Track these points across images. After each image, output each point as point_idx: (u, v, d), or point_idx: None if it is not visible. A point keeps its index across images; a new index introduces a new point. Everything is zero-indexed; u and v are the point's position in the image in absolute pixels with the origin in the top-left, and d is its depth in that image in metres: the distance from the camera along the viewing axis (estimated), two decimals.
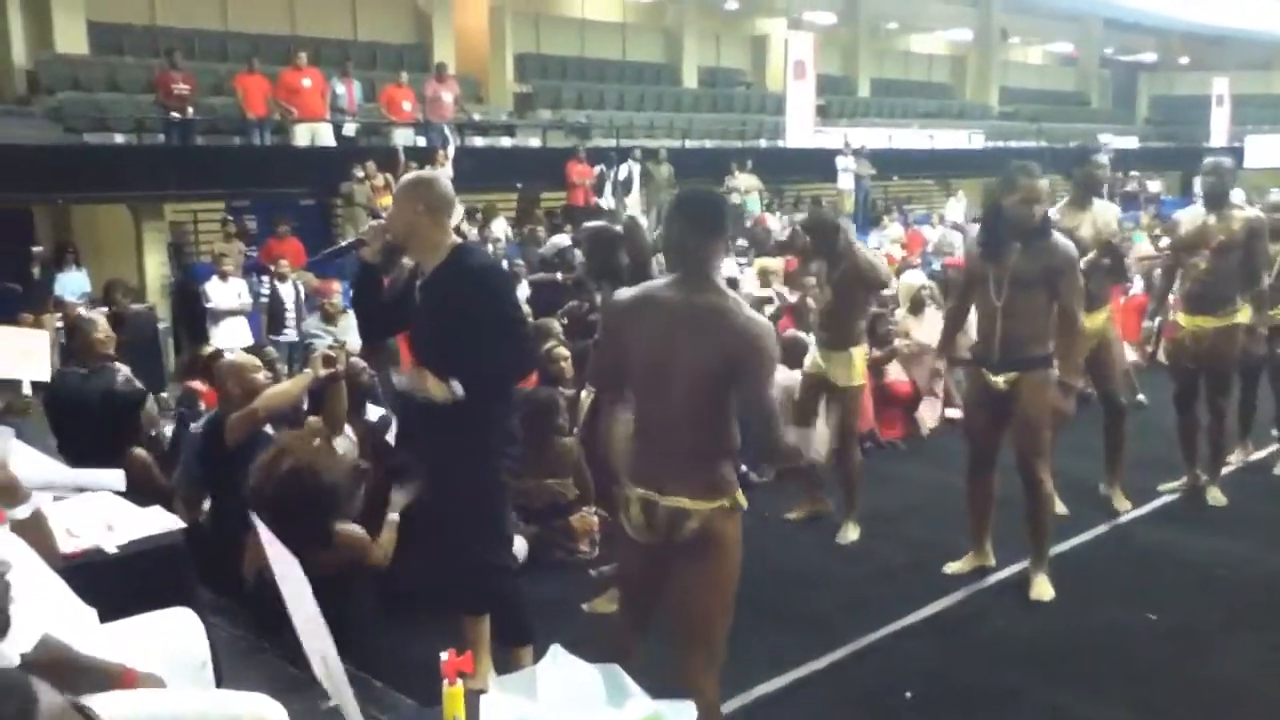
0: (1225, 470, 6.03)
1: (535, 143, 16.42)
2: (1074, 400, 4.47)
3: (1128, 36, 32.03)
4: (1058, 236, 4.43)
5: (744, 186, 16.38)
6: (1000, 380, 4.47)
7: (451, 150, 13.18)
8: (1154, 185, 22.91)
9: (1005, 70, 30.04)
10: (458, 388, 3.26)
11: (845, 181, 17.59)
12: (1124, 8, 25.77)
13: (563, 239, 9.00)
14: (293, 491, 3.67)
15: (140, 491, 3.91)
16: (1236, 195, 6.21)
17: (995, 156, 22.32)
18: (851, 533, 5.39)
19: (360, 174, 11.99)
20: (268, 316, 9.45)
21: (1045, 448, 4.53)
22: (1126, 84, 35.12)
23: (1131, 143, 26.56)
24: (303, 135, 12.96)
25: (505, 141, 16.12)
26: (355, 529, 4.00)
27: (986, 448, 4.70)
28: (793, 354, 6.98)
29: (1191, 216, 5.65)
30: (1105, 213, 5.51)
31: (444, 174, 12.83)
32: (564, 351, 6.01)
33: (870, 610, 4.45)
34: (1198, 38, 30.87)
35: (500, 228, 13.21)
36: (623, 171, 14.77)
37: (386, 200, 12.23)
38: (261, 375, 4.48)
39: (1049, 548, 4.69)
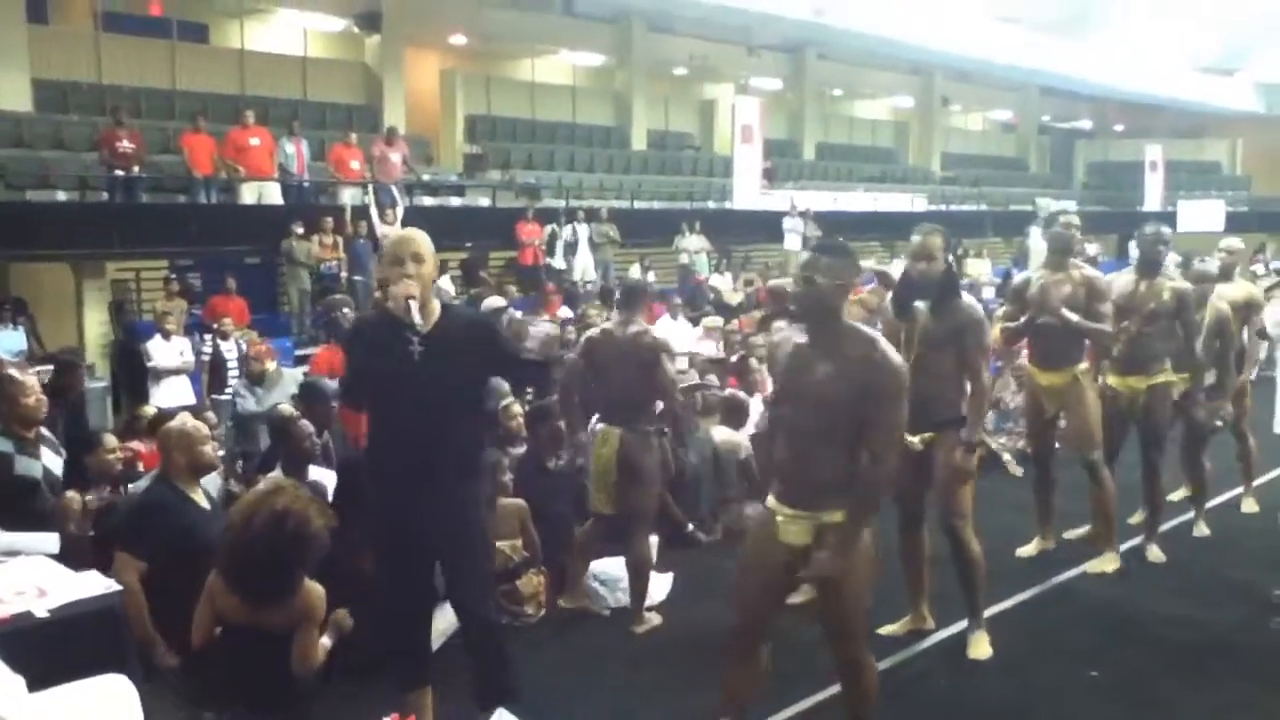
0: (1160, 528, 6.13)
1: (485, 202, 16.50)
2: (975, 458, 4.50)
3: (1064, 104, 33.03)
4: (967, 297, 4.55)
5: (693, 247, 16.57)
6: (916, 440, 4.51)
7: (401, 210, 13.21)
8: (1092, 248, 23.47)
9: (947, 136, 30.78)
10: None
11: (792, 243, 17.83)
12: (1060, 77, 26.53)
13: (497, 300, 9.00)
14: (278, 531, 3.59)
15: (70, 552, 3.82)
16: (1171, 259, 6.42)
17: (938, 219, 22.81)
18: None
19: (300, 230, 11.96)
20: (209, 375, 9.33)
21: (965, 506, 4.55)
22: (1064, 150, 36.15)
23: (1069, 206, 27.23)
24: (249, 193, 12.92)
25: (455, 201, 16.17)
26: (317, 587, 3.92)
27: (913, 507, 4.75)
28: (735, 414, 7.05)
29: (1123, 281, 5.80)
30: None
31: (392, 232, 12.88)
32: (518, 409, 6.05)
33: (816, 669, 4.44)
34: (1131, 106, 31.88)
35: (446, 285, 13.20)
36: (568, 232, 14.90)
37: (334, 257, 12.23)
38: (210, 447, 4.35)
39: (983, 606, 4.71)
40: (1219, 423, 6.53)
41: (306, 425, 5.24)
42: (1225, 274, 6.76)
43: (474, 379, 3.54)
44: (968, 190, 27.35)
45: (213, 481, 4.79)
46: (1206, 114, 32.15)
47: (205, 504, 4.29)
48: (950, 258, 4.58)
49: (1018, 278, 6.18)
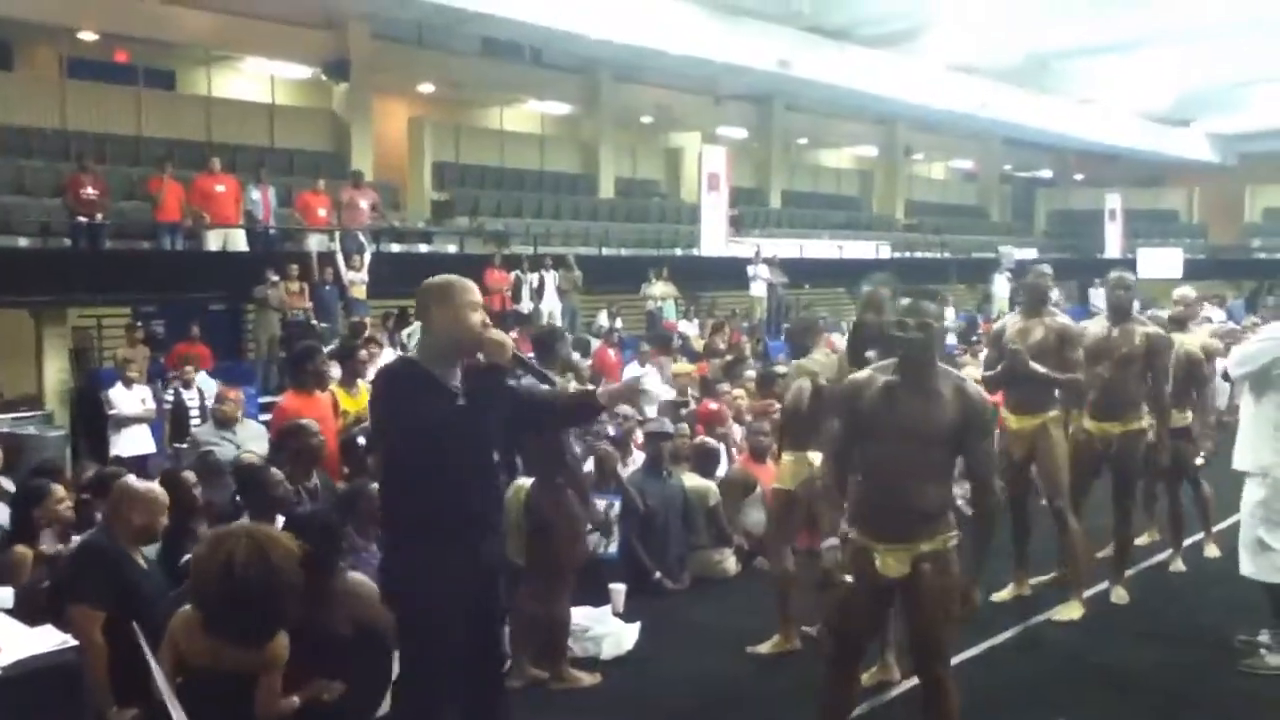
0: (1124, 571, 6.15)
1: (453, 249, 16.51)
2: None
3: (1025, 154, 33.61)
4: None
5: (660, 294, 16.63)
6: None
7: (368, 256, 13.19)
8: (1054, 294, 23.76)
9: (910, 184, 31.20)
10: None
11: (758, 289, 17.96)
12: (1021, 127, 26.99)
13: None
14: (260, 569, 3.50)
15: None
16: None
17: (902, 266, 23.12)
18: (765, 646, 5.33)
19: (274, 277, 11.89)
20: (170, 424, 9.21)
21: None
22: (1025, 198, 36.78)
23: (1031, 254, 27.59)
24: (215, 240, 12.86)
25: (422, 248, 16.17)
26: (284, 637, 3.84)
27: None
28: (706, 462, 7.03)
29: (1096, 328, 5.89)
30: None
31: (359, 279, 12.86)
32: None
33: None
34: (1090, 155, 32.48)
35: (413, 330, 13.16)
36: (536, 279, 14.92)
37: (300, 304, 12.15)
38: (165, 518, 4.26)
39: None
40: (1200, 460, 6.61)
41: (276, 473, 5.13)
42: (1180, 323, 6.87)
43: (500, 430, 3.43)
44: (931, 238, 27.71)
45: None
46: (1164, 164, 32.82)
47: (143, 563, 4.22)
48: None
49: (996, 324, 6.24)
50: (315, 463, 5.45)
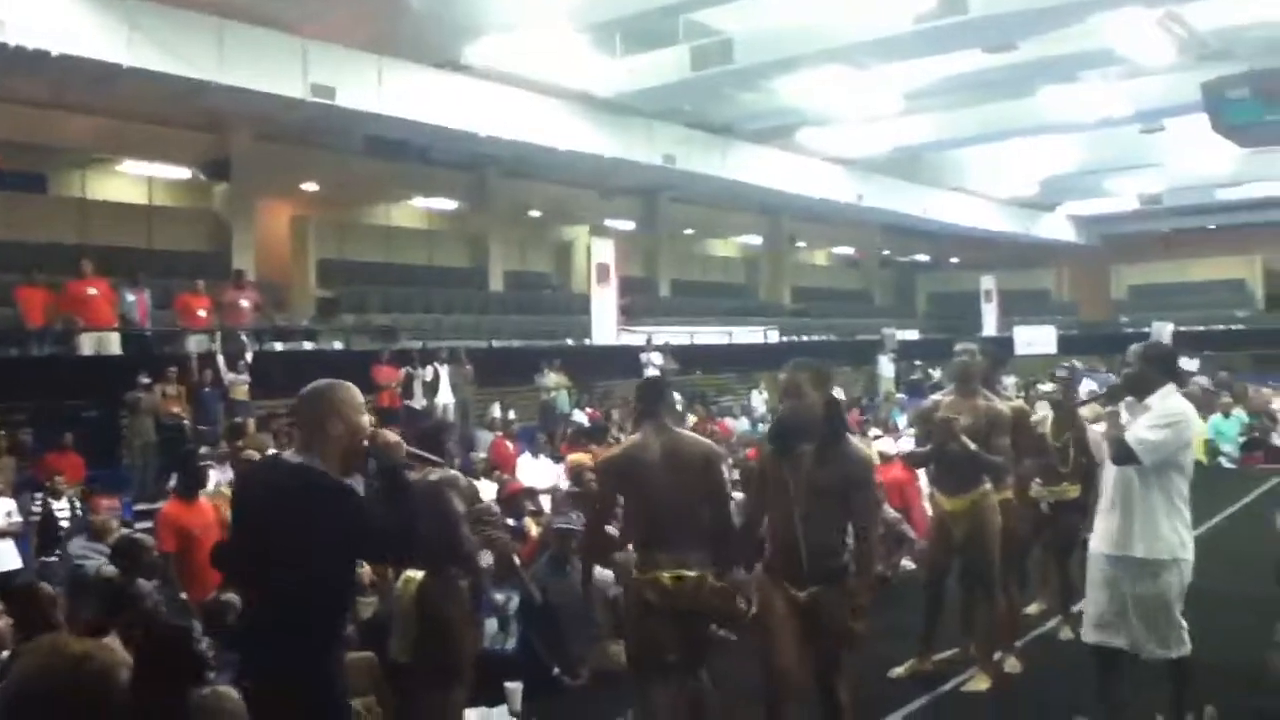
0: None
1: (339, 345, 16.23)
2: (867, 622, 4.22)
3: (903, 240, 34.77)
4: (853, 442, 4.36)
5: (553, 384, 16.56)
6: (803, 594, 4.18)
7: (250, 356, 12.86)
8: (936, 373, 24.44)
9: (796, 271, 31.95)
10: None
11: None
12: (897, 214, 27.91)
13: None
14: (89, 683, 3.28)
15: None
16: (1007, 380, 6.67)
17: (790, 350, 23.50)
18: None
19: (146, 380, 11.49)
20: (39, 537, 8.72)
21: (844, 662, 4.27)
22: (906, 282, 38.01)
23: (913, 335, 28.48)
24: (89, 344, 12.41)
25: (307, 345, 15.86)
26: None
27: (796, 678, 4.22)
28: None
29: (946, 401, 5.86)
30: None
31: (241, 380, 12.50)
32: None
33: None
34: (966, 240, 33.74)
35: None
36: (429, 373, 14.70)
37: (176, 409, 11.72)
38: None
39: None
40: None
41: (145, 584, 4.93)
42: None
43: None
44: (816, 322, 28.34)
45: None
46: (1034, 246, 34.27)
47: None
48: (832, 395, 4.31)
49: (925, 402, 6.25)
50: (152, 578, 5.25)
